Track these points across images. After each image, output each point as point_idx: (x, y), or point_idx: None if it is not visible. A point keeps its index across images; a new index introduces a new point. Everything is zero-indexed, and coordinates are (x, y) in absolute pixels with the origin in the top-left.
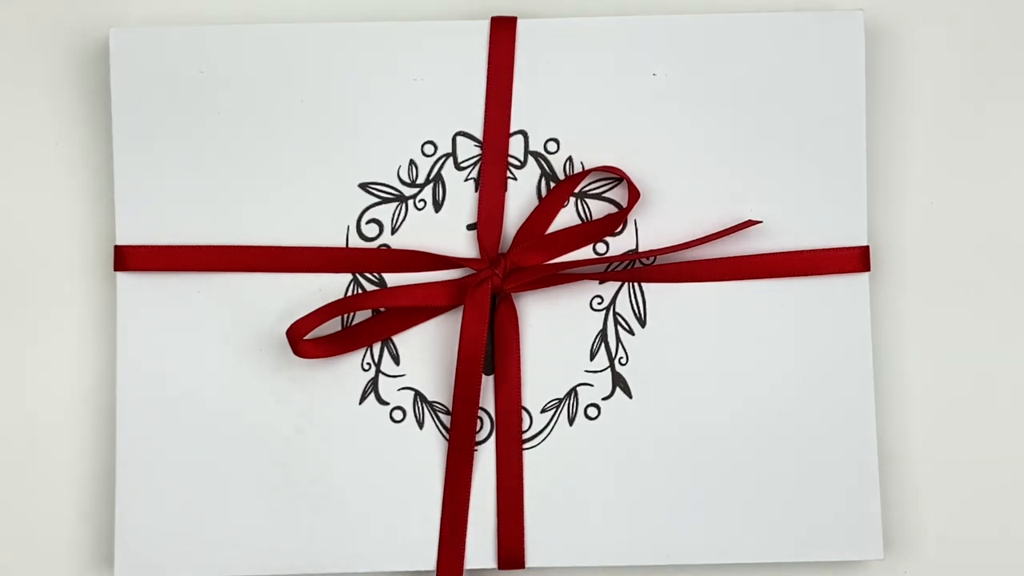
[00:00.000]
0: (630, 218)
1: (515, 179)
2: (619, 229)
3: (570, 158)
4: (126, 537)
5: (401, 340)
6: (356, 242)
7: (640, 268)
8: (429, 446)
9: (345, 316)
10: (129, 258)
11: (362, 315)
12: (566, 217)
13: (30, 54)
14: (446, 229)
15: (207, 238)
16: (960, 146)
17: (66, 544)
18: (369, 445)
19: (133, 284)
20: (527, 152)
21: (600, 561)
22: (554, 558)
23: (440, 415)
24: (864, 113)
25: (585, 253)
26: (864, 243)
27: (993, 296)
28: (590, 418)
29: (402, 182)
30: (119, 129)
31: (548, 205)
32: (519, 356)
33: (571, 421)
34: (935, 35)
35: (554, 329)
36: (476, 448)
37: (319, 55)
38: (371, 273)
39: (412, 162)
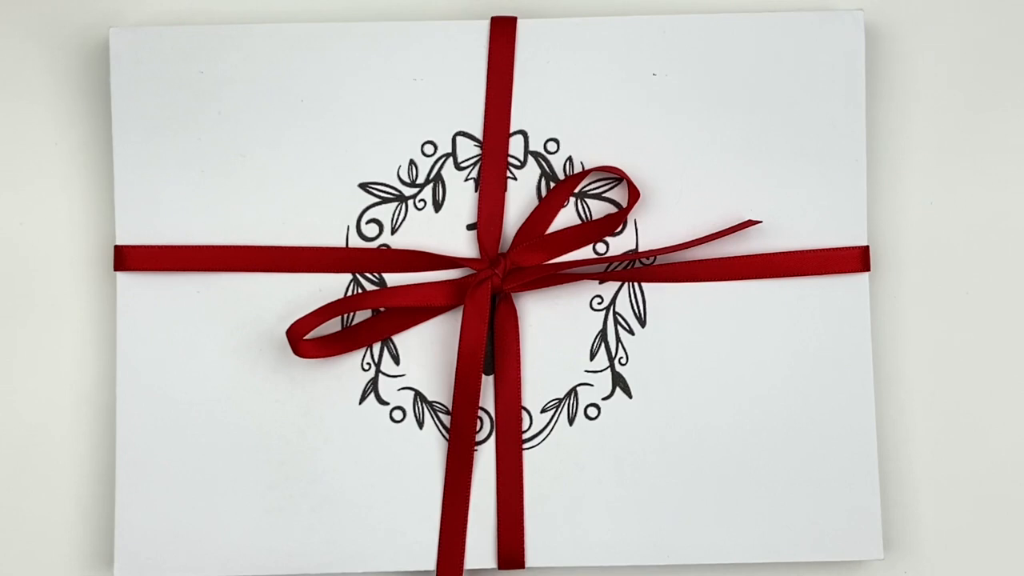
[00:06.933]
0: (630, 218)
1: (515, 179)
2: (619, 229)
3: (570, 158)
4: (126, 537)
5: (401, 340)
6: (356, 242)
7: (640, 268)
8: (429, 446)
9: (345, 316)
10: (129, 258)
11: (362, 315)
12: (566, 217)
13: (30, 54)
14: (446, 229)
15: (207, 238)
16: (960, 146)
17: (66, 544)
18: (369, 445)
19: (133, 284)
20: (527, 152)
21: (600, 561)
22: (554, 558)
23: (440, 415)
24: (864, 113)
25: (585, 253)
26: (864, 243)
27: (993, 296)
28: (590, 418)
29: (402, 182)
30: (119, 129)
31: (548, 205)
32: (519, 356)
33: (571, 421)
34: (935, 35)
35: (554, 329)
36: (476, 448)
37: (319, 55)
38: (371, 273)
39: (412, 162)
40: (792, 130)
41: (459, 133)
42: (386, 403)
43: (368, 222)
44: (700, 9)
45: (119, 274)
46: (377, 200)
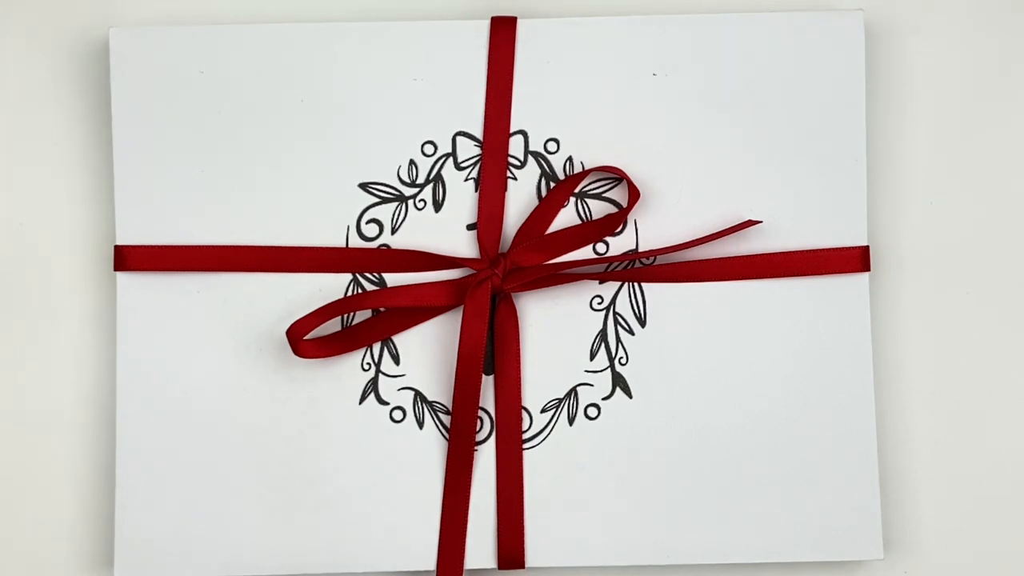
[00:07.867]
0: (630, 218)
1: (515, 179)
2: (619, 229)
3: (570, 158)
4: (126, 537)
5: (401, 340)
6: (356, 242)
7: (640, 268)
8: (429, 446)
9: (345, 316)
10: (129, 258)
11: (362, 315)
12: (566, 217)
13: (30, 54)
14: (446, 229)
15: (207, 238)
16: (960, 146)
17: (66, 544)
18: (369, 445)
19: (133, 284)
20: (527, 152)
21: (600, 561)
22: (554, 558)
23: (440, 415)
24: (864, 113)
25: (585, 253)
26: (864, 243)
27: (993, 296)
28: (590, 418)
29: (402, 182)
30: (119, 129)
31: (548, 205)
32: (519, 356)
33: (571, 421)
34: (935, 35)
35: (554, 329)
36: (476, 448)
37: (319, 55)
38: (371, 273)
39: (412, 162)
40: (792, 130)
41: (459, 133)
42: (386, 403)
43: (368, 222)
44: (700, 9)
45: (119, 274)
46: (377, 200)
